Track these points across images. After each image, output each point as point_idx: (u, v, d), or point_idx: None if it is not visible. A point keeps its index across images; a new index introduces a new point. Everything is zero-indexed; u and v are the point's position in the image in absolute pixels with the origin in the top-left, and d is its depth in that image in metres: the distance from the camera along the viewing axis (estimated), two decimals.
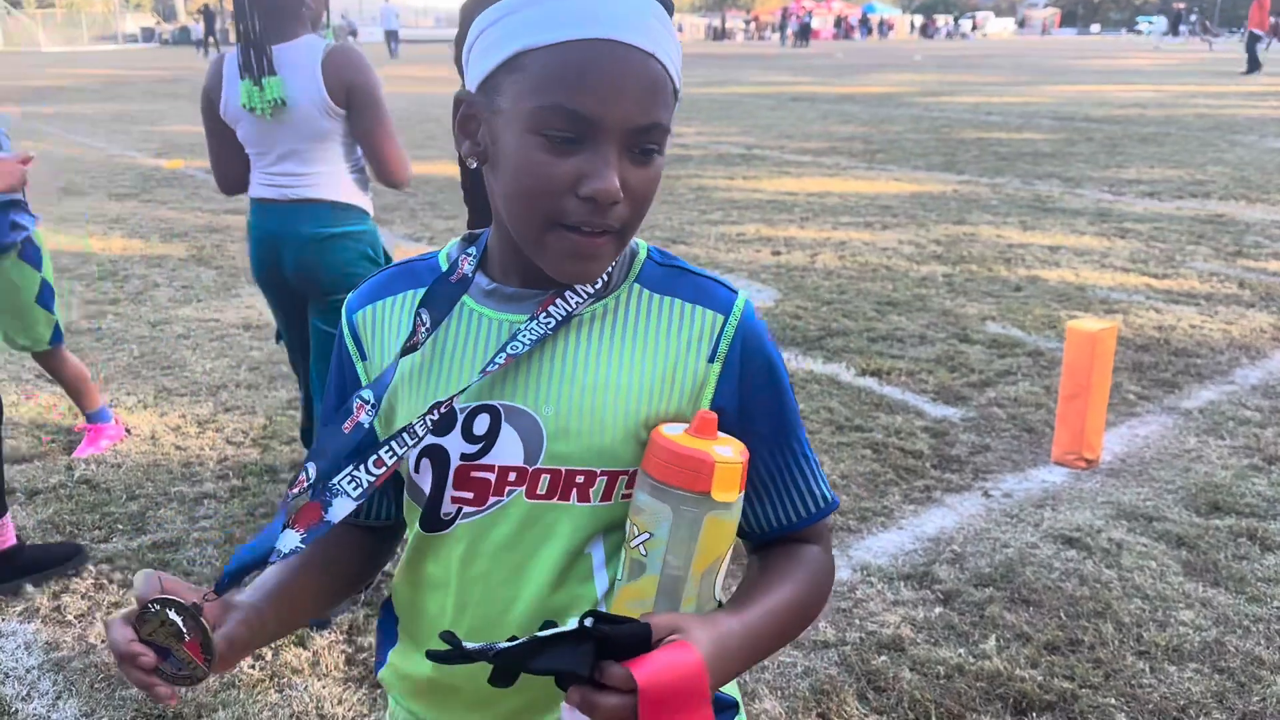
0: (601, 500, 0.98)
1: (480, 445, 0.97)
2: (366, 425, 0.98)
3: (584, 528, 0.98)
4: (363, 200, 2.96)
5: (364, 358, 1.04)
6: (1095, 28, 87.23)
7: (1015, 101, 18.87)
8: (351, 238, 2.90)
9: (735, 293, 1.02)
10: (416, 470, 0.99)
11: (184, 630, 0.87)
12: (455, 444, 0.98)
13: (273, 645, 2.63)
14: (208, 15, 38.27)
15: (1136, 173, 10.33)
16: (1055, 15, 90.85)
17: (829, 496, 1.07)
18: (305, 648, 2.62)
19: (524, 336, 0.95)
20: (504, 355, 0.95)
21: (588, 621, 0.83)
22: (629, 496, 0.96)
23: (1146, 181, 9.79)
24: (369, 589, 2.87)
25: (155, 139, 13.81)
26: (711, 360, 0.99)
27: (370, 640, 2.66)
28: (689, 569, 0.91)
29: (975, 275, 6.38)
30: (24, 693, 2.45)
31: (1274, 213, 8.27)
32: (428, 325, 0.98)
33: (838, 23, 74.27)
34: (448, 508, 0.99)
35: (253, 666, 2.54)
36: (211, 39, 37.95)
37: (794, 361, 4.82)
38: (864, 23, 75.12)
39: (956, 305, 5.71)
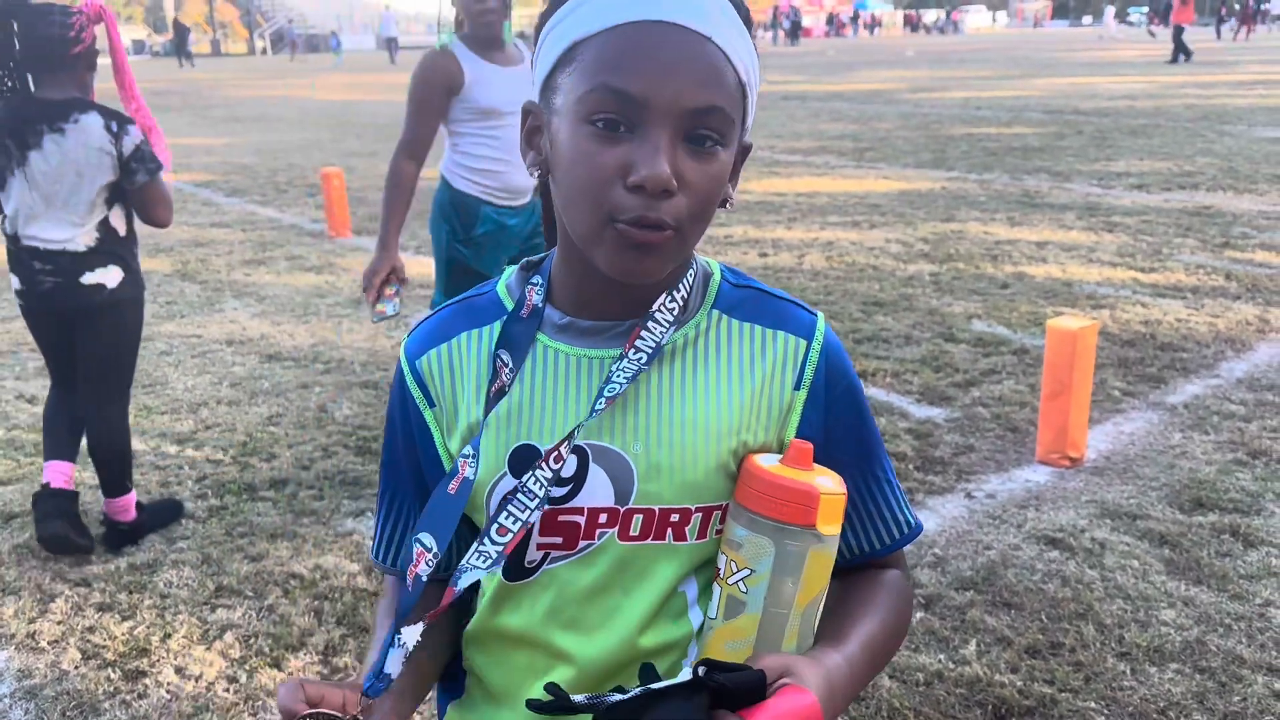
0: (697, 538, 0.95)
1: (569, 488, 0.93)
2: (473, 479, 0.93)
3: (680, 567, 0.95)
4: None
5: (431, 405, 0.99)
6: (1087, 19, 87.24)
7: (1005, 96, 18.87)
8: None
9: (815, 315, 1.00)
10: (497, 515, 0.94)
11: None
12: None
13: (247, 667, 2.61)
14: (180, 30, 40.02)
15: (1125, 165, 10.31)
16: (1047, 7, 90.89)
17: (913, 522, 1.05)
18: (280, 668, 2.60)
19: (619, 377, 0.91)
20: (603, 400, 0.91)
21: (701, 671, 0.79)
22: (721, 532, 0.94)
23: (1135, 174, 9.78)
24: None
25: None
26: (797, 388, 0.97)
27: (346, 660, 2.63)
28: (792, 605, 0.88)
29: (962, 273, 6.36)
30: None
31: (1261, 203, 8.26)
32: (510, 366, 0.94)
33: (830, 20, 74.32)
34: (533, 555, 0.95)
35: (227, 689, 2.53)
36: (186, 52, 40.04)
37: None
38: (856, 19, 75.19)
39: (943, 304, 5.69)
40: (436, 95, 3.14)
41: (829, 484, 0.88)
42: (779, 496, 0.87)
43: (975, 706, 2.44)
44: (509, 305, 0.99)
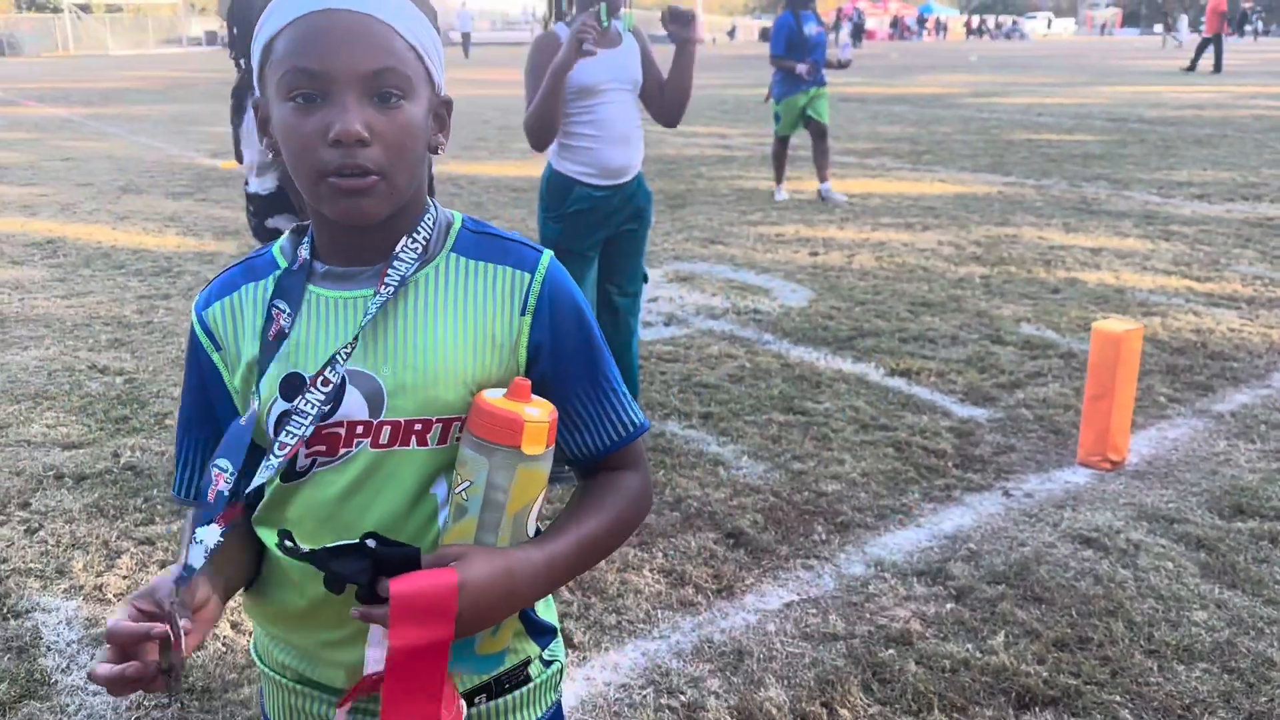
0: (438, 444, 1.10)
1: (330, 405, 1.09)
2: (257, 410, 1.11)
3: (423, 469, 1.11)
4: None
5: (218, 349, 1.15)
6: (1158, 28, 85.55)
7: (1068, 102, 18.63)
8: None
9: (541, 251, 1.16)
10: (276, 434, 1.10)
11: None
12: (308, 405, 1.10)
13: None
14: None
15: (1187, 175, 10.17)
16: (1117, 15, 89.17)
17: (638, 421, 1.21)
18: None
19: (372, 308, 1.08)
20: (359, 329, 1.08)
21: (369, 542, 1.00)
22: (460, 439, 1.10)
23: (1197, 184, 9.64)
24: None
25: (212, 140, 14.15)
26: (523, 313, 1.13)
27: None
28: (504, 511, 1.05)
29: (1013, 277, 6.35)
30: (64, 665, 2.58)
31: None
32: (288, 312, 1.11)
33: (894, 23, 73.66)
34: (303, 461, 1.10)
35: None
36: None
37: (822, 361, 4.86)
38: (921, 23, 74.42)
39: (992, 306, 5.70)
40: (544, 69, 3.34)
41: (535, 413, 1.03)
42: (492, 423, 1.03)
43: (999, 694, 2.49)
44: (283, 263, 1.15)
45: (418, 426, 1.09)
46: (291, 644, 1.19)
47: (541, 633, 1.24)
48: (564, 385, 1.15)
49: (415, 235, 1.11)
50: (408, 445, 1.10)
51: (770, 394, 4.42)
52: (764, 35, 71.78)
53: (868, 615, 2.82)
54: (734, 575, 3.02)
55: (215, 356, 1.15)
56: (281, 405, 1.08)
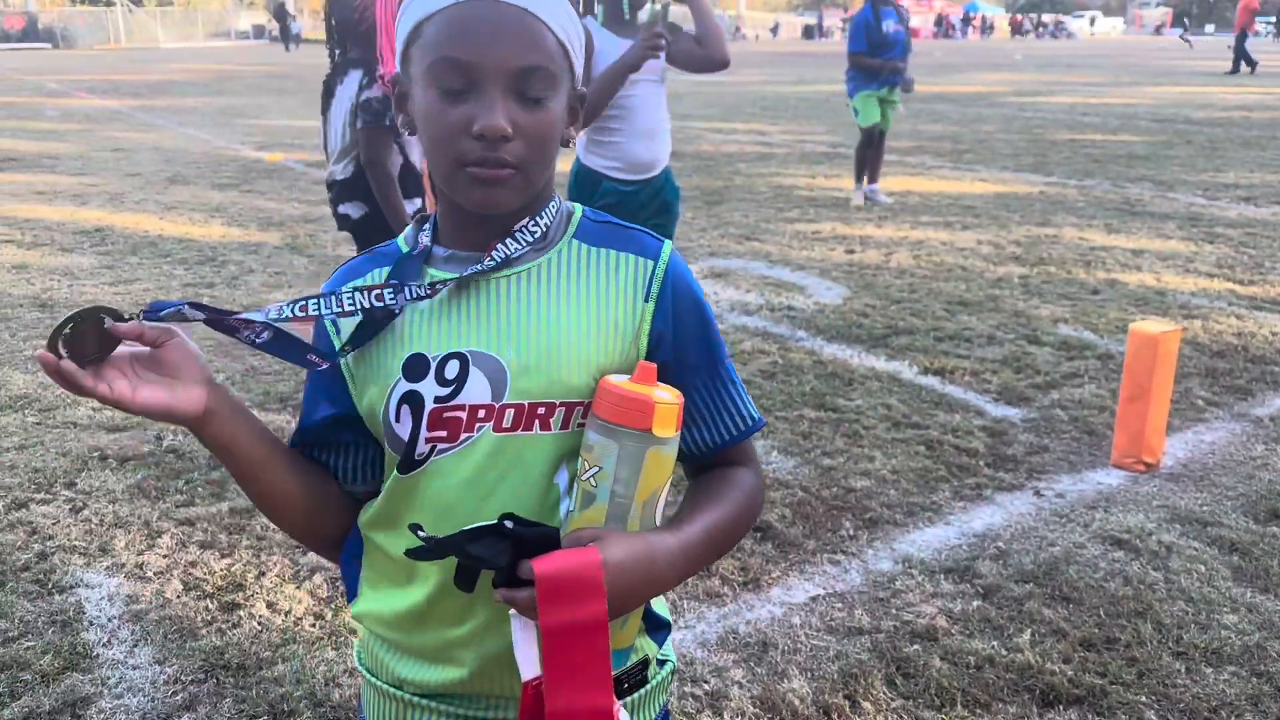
0: (561, 428, 1.09)
1: (452, 388, 1.08)
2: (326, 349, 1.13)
3: (547, 454, 1.09)
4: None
5: (339, 333, 1.14)
6: (1210, 28, 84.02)
7: (1114, 102, 18.39)
8: None
9: (662, 241, 1.15)
10: (397, 419, 1.09)
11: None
12: (429, 388, 1.08)
13: (333, 606, 2.80)
14: (280, 14, 41.71)
15: (1234, 177, 10.02)
16: (1167, 15, 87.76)
17: (755, 416, 1.19)
18: None
19: (469, 274, 1.09)
20: (450, 283, 1.09)
21: (507, 523, 0.99)
22: (583, 425, 1.08)
23: (1244, 186, 9.50)
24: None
25: (258, 133, 14.35)
26: (646, 300, 1.12)
27: None
28: (633, 498, 1.02)
29: (1053, 277, 6.30)
30: (104, 639, 2.66)
31: None
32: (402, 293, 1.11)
33: (938, 21, 73.01)
34: (422, 448, 1.09)
35: (314, 625, 2.71)
36: (292, 36, 41.92)
37: (855, 359, 4.86)
38: (966, 21, 73.71)
39: (1029, 307, 5.66)
40: None
41: (665, 396, 1.02)
42: (622, 405, 1.01)
43: (1024, 692, 2.49)
44: (405, 248, 1.16)
45: (541, 410, 1.08)
46: (410, 649, 1.16)
47: (658, 628, 1.22)
48: (683, 376, 1.12)
49: (537, 220, 1.11)
50: (531, 430, 1.08)
51: (802, 390, 4.42)
52: (807, 33, 71.45)
53: (893, 611, 2.83)
54: (761, 568, 3.04)
55: (334, 339, 1.15)
56: (405, 386, 1.08)
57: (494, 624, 1.10)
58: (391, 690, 1.19)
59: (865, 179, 8.79)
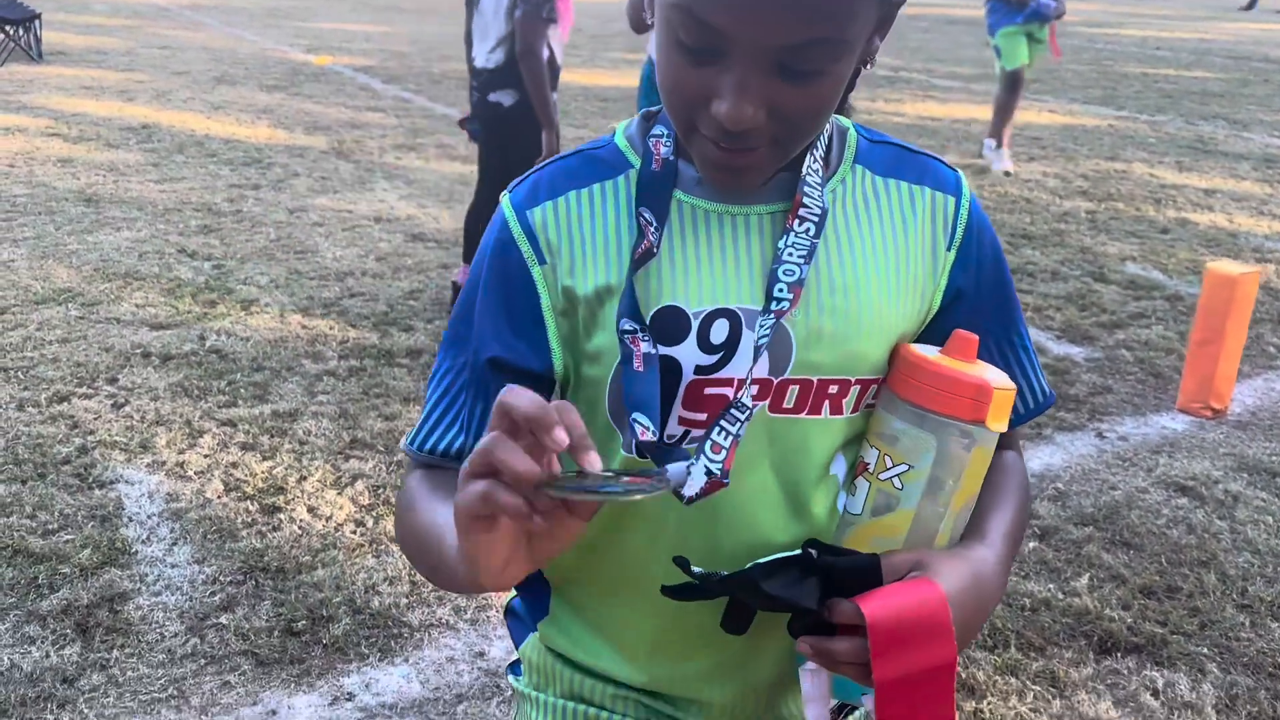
0: (852, 412, 0.87)
1: (719, 356, 0.84)
2: (655, 354, 0.83)
3: (831, 444, 0.87)
4: None
5: (541, 262, 0.87)
6: None
7: (1188, 37, 17.66)
8: None
9: (956, 170, 0.93)
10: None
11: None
12: (690, 354, 0.84)
13: (374, 514, 2.76)
14: None
15: None
16: None
17: (1049, 390, 0.99)
18: None
19: (792, 257, 0.83)
20: (784, 287, 0.82)
21: (813, 553, 0.78)
22: (873, 406, 0.88)
23: None
24: None
25: (306, 35, 14.16)
26: (949, 248, 0.90)
27: None
28: (949, 505, 0.83)
29: (1121, 214, 6.07)
30: (144, 536, 2.64)
31: None
32: (654, 225, 0.84)
33: None
34: (673, 429, 0.85)
35: (354, 532, 2.68)
36: None
37: None
38: None
39: (1097, 243, 5.45)
40: None
41: (1000, 379, 0.82)
42: (949, 389, 0.80)
43: (1080, 637, 2.40)
44: (634, 160, 0.89)
45: (833, 389, 0.85)
46: (624, 680, 0.95)
47: None
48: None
49: (815, 150, 0.86)
50: (818, 413, 0.85)
51: None
52: None
53: None
54: None
55: (536, 271, 0.87)
56: (652, 348, 0.83)
57: (750, 653, 0.91)
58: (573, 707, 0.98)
59: (1007, 135, 7.22)
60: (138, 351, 3.71)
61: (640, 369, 0.81)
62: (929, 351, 0.85)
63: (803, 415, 0.85)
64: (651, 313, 0.84)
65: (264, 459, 3.02)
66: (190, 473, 2.94)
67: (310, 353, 3.76)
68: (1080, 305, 4.53)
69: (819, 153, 0.86)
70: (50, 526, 2.63)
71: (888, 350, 0.86)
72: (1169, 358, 4.01)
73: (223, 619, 2.34)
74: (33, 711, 2.04)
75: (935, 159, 0.93)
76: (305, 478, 2.93)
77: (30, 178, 6.08)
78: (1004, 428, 0.81)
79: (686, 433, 0.85)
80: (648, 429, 0.80)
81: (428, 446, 0.91)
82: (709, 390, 0.84)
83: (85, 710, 2.05)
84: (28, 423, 3.16)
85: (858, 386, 0.86)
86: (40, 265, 4.56)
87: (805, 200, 0.84)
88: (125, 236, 5.03)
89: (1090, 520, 2.87)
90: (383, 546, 2.63)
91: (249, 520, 2.72)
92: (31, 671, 2.13)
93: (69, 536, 2.60)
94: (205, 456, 3.02)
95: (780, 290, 0.82)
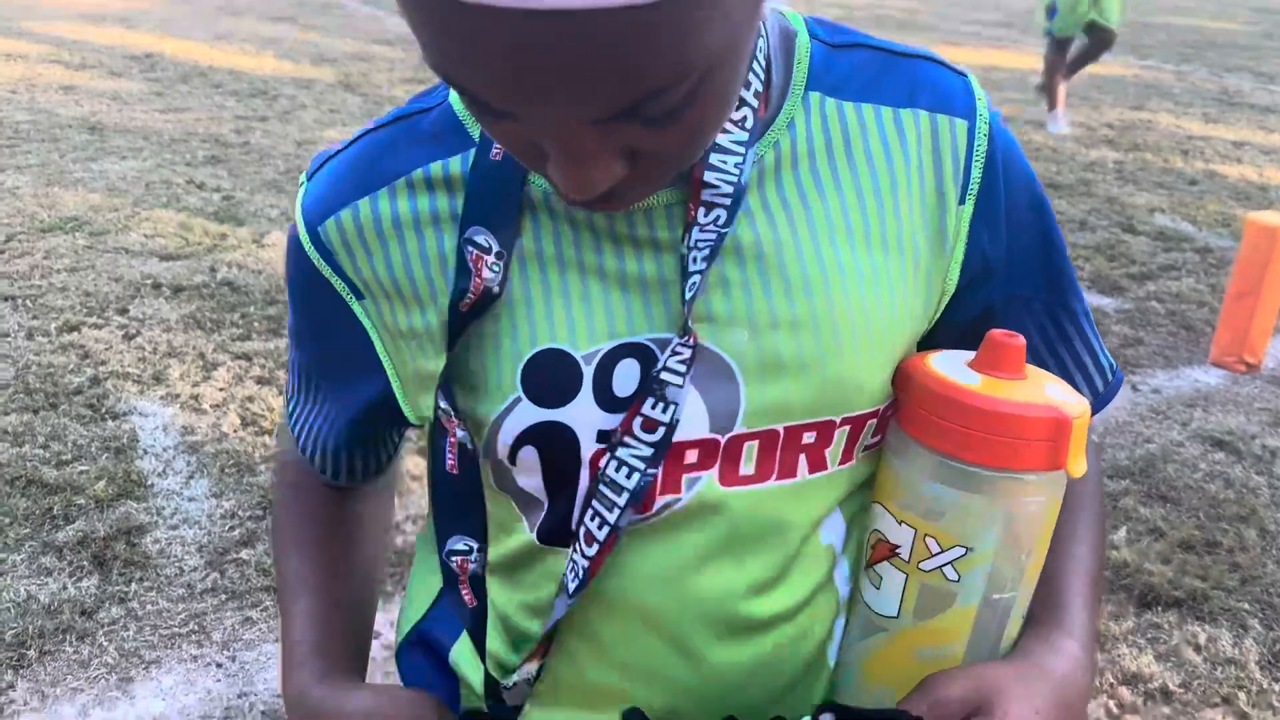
0: (841, 463, 0.62)
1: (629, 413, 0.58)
2: (473, 444, 0.62)
3: (816, 513, 0.63)
4: None
5: (360, 297, 0.62)
6: None
7: None
8: None
9: (967, 75, 0.63)
10: (513, 462, 0.60)
11: None
12: (586, 416, 0.58)
13: None
14: None
15: None
16: None
17: (1114, 365, 0.72)
18: (422, 459, 2.67)
19: (699, 261, 0.56)
20: (687, 306, 0.56)
21: (826, 717, 0.57)
22: (874, 448, 0.63)
23: None
24: None
25: None
26: (961, 200, 0.61)
27: None
28: (1019, 584, 0.60)
29: (1148, 164, 5.95)
30: (159, 469, 2.57)
31: None
32: (494, 249, 0.58)
33: None
34: (582, 522, 0.61)
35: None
36: None
37: None
38: None
39: (1124, 193, 5.34)
40: None
41: (1070, 398, 0.58)
42: (1009, 432, 0.55)
43: (1120, 590, 2.35)
44: (474, 131, 0.60)
45: (809, 437, 0.59)
46: None
47: None
48: (1011, 310, 0.65)
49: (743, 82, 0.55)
50: (792, 475, 0.60)
51: None
52: None
53: None
54: None
55: (357, 308, 0.63)
56: (531, 411, 0.59)
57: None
58: None
59: (1062, 93, 6.62)
60: (148, 282, 3.62)
61: (452, 470, 0.61)
62: (959, 370, 0.58)
63: (769, 483, 0.60)
64: (524, 361, 0.59)
65: (280, 393, 2.95)
66: (205, 406, 2.86)
67: None
68: (1109, 256, 4.44)
69: (746, 93, 0.57)
70: (64, 457, 2.56)
71: (887, 369, 0.61)
72: (1200, 310, 3.92)
73: (243, 554, 2.28)
74: (51, 643, 1.98)
75: (931, 59, 0.63)
76: None
77: (32, 104, 5.94)
78: (1085, 466, 0.57)
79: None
80: (468, 555, 0.61)
81: (299, 440, 0.74)
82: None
83: (105, 643, 2.00)
84: (37, 351, 3.07)
85: (846, 428, 0.60)
86: (46, 193, 4.45)
87: (708, 177, 0.56)
88: (131, 166, 4.92)
89: (1126, 473, 2.81)
90: (402, 481, 2.56)
91: (266, 454, 2.65)
92: (49, 603, 2.08)
93: (83, 468, 2.53)
94: (220, 390, 2.95)
95: (686, 310, 0.57)
